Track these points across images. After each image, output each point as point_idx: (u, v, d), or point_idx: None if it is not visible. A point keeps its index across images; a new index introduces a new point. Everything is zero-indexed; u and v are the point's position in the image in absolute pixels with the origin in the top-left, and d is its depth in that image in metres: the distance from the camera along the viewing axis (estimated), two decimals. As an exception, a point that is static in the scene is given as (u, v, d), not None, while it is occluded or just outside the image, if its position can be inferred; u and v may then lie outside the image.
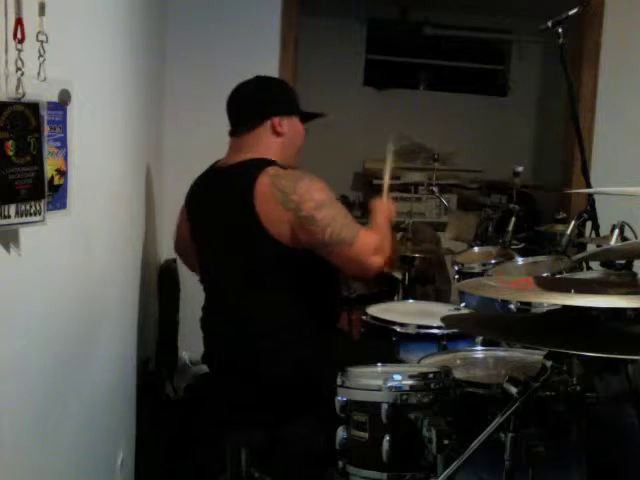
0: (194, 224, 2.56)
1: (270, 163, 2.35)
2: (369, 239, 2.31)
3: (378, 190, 2.72)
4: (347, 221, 2.31)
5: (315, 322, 2.39)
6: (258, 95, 2.48)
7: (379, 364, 2.01)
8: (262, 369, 2.31)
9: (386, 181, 2.67)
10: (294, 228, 2.27)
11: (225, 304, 2.45)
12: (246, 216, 2.29)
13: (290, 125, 2.44)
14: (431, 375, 1.84)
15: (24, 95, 1.19)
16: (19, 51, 1.17)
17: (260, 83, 2.53)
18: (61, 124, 1.40)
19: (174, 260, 3.41)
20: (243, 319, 2.37)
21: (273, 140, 2.42)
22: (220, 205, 2.42)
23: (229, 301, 2.43)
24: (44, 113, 1.26)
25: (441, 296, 4.16)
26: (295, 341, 2.33)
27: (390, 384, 1.80)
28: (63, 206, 1.43)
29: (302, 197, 2.26)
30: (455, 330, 2.42)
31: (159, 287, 3.29)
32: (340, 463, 1.87)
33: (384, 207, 2.51)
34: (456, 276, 3.11)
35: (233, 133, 2.47)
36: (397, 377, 1.82)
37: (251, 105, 2.46)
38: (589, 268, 2.74)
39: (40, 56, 1.25)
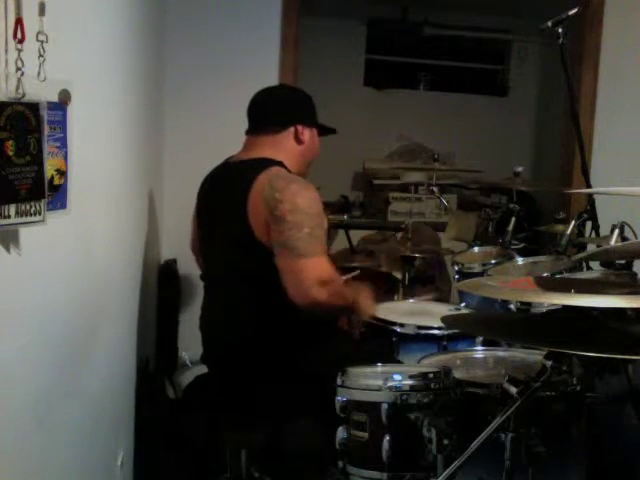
0: (200, 219, 2.57)
1: (277, 164, 2.35)
2: (323, 267, 2.23)
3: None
4: (314, 238, 2.23)
5: (314, 322, 2.39)
6: (287, 101, 2.54)
7: (379, 364, 2.02)
8: (261, 369, 2.31)
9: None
10: (267, 224, 2.24)
11: (223, 304, 2.45)
12: (238, 213, 2.29)
13: (310, 136, 2.49)
14: (431, 375, 1.84)
15: (24, 95, 1.19)
16: (19, 51, 1.17)
17: (288, 90, 2.64)
18: (61, 124, 1.40)
19: (174, 260, 3.42)
20: (241, 320, 2.36)
21: (294, 146, 2.45)
22: (221, 201, 2.43)
23: (227, 301, 2.43)
24: (44, 113, 1.26)
25: (441, 296, 4.16)
26: (294, 341, 2.33)
27: (390, 384, 1.80)
28: (63, 206, 1.43)
29: (284, 197, 2.23)
30: (455, 330, 2.42)
31: (159, 287, 3.29)
32: (340, 463, 1.87)
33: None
34: (456, 276, 3.11)
35: (252, 132, 2.48)
36: (397, 377, 1.82)
37: (280, 108, 2.50)
38: (589, 268, 2.74)
39: (40, 56, 1.25)
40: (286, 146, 2.44)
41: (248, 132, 2.50)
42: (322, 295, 2.20)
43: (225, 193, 2.42)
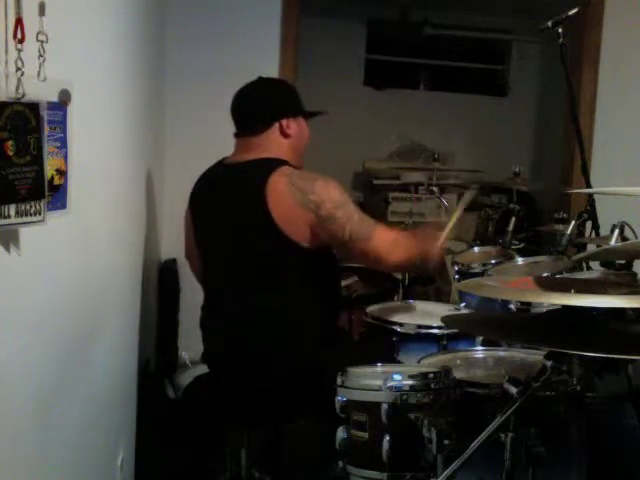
0: (198, 221, 2.55)
1: (283, 163, 2.36)
2: (386, 236, 2.38)
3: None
4: (363, 218, 2.37)
5: (314, 322, 2.39)
6: (265, 98, 2.51)
7: (379, 364, 2.01)
8: (262, 369, 2.31)
9: (451, 221, 2.68)
10: (314, 228, 2.29)
11: (226, 304, 2.45)
12: (258, 214, 2.29)
13: (297, 127, 2.47)
14: (431, 375, 1.84)
15: (24, 95, 1.19)
16: (19, 51, 1.17)
17: (265, 85, 2.55)
18: (61, 124, 1.40)
19: (174, 260, 3.42)
20: (244, 319, 2.36)
21: (282, 141, 2.44)
22: (228, 202, 2.42)
23: (230, 301, 2.42)
24: (44, 113, 1.26)
25: (441, 296, 4.16)
26: (295, 341, 2.33)
27: (390, 384, 1.80)
28: (63, 206, 1.43)
29: (321, 197, 2.29)
30: (455, 330, 2.42)
31: (159, 287, 3.29)
32: (340, 463, 1.87)
33: (431, 240, 2.50)
34: (456, 276, 3.11)
35: (240, 134, 2.48)
36: (397, 377, 1.82)
37: (258, 108, 2.48)
38: (589, 268, 2.74)
39: (40, 56, 1.25)
40: (276, 143, 2.43)
41: (236, 135, 2.49)
42: (398, 257, 2.38)
43: (232, 196, 2.41)
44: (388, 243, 2.36)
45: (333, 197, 2.31)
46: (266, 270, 2.35)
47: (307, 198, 2.28)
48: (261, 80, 2.52)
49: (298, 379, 2.28)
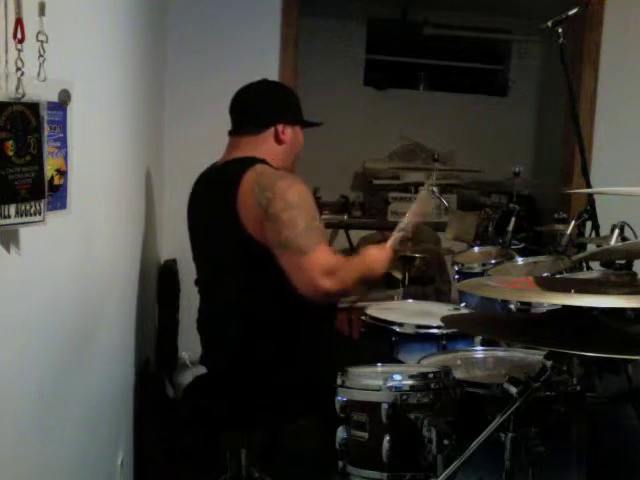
0: (191, 223, 2.56)
1: (260, 161, 2.34)
2: (325, 257, 2.20)
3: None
4: (311, 231, 2.22)
5: (311, 322, 2.38)
6: (267, 100, 2.49)
7: (379, 364, 2.02)
8: (261, 370, 2.31)
9: (405, 224, 2.49)
10: (262, 224, 2.23)
11: (219, 305, 2.45)
12: (229, 214, 2.28)
13: (293, 134, 2.46)
14: (431, 375, 1.84)
15: (24, 95, 1.19)
16: (19, 51, 1.17)
17: (269, 88, 2.55)
18: (61, 124, 1.40)
19: (174, 260, 3.42)
20: (238, 320, 2.36)
21: (274, 146, 2.43)
22: (209, 203, 2.43)
23: (223, 302, 2.42)
24: (44, 113, 1.26)
25: (441, 296, 4.17)
26: (293, 341, 2.33)
27: (390, 384, 1.80)
28: (63, 206, 1.43)
29: (275, 195, 2.22)
30: (455, 330, 2.42)
31: (159, 287, 3.29)
32: (340, 463, 1.87)
33: (379, 257, 2.36)
34: (456, 276, 3.11)
35: (234, 132, 2.47)
36: (397, 377, 1.82)
37: (259, 109, 2.47)
38: (589, 268, 2.74)
39: (40, 56, 1.25)
40: (267, 146, 2.42)
41: (230, 133, 2.48)
42: (331, 284, 2.18)
43: (212, 197, 2.41)
44: (323, 266, 2.18)
45: (287, 198, 2.21)
46: (247, 272, 2.34)
47: (263, 194, 2.22)
48: (265, 82, 2.52)
49: (297, 379, 2.27)
